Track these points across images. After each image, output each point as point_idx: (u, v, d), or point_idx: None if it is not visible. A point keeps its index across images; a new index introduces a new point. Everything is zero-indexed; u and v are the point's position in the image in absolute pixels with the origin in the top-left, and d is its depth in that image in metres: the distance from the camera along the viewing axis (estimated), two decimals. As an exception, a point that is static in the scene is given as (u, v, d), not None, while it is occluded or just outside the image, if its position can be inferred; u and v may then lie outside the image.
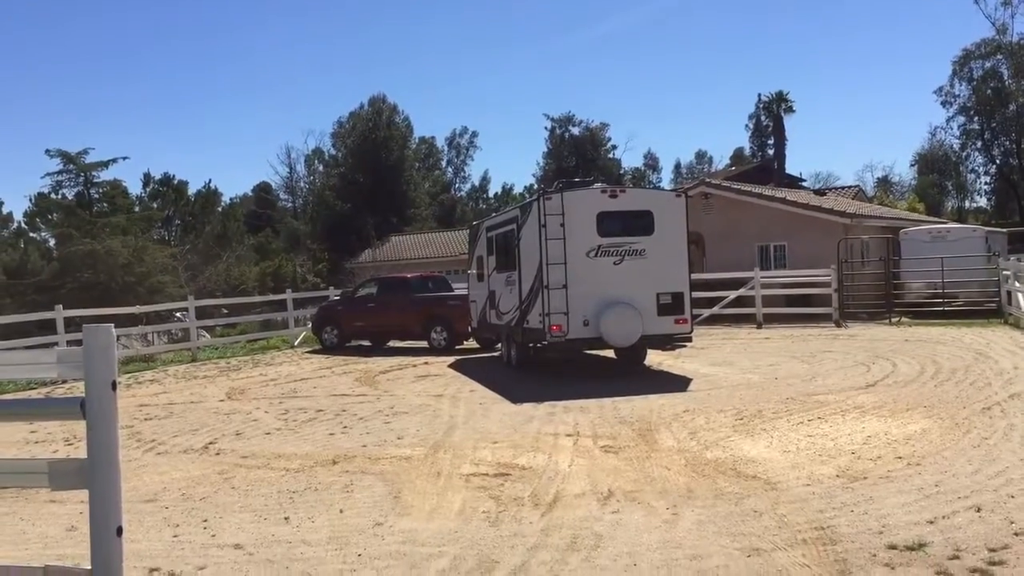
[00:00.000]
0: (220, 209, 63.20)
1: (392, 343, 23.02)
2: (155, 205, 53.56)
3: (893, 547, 5.56)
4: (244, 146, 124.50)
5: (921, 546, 5.54)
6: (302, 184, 79.31)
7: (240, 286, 44.17)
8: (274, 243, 63.47)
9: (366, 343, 23.17)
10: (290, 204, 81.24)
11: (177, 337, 27.53)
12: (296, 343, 24.64)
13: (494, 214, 21.07)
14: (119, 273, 33.96)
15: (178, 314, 30.19)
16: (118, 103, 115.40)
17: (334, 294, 27.24)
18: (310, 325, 26.35)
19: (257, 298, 35.40)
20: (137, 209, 47.82)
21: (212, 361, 21.36)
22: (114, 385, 3.78)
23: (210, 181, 74.78)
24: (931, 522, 6.03)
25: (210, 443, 10.49)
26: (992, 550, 5.42)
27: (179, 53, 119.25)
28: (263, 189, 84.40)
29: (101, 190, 43.15)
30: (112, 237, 36.15)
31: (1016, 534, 5.70)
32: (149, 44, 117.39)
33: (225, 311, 33.47)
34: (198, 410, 13.32)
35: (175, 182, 58.88)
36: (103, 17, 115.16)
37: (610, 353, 16.50)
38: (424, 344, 21.67)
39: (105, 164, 41.57)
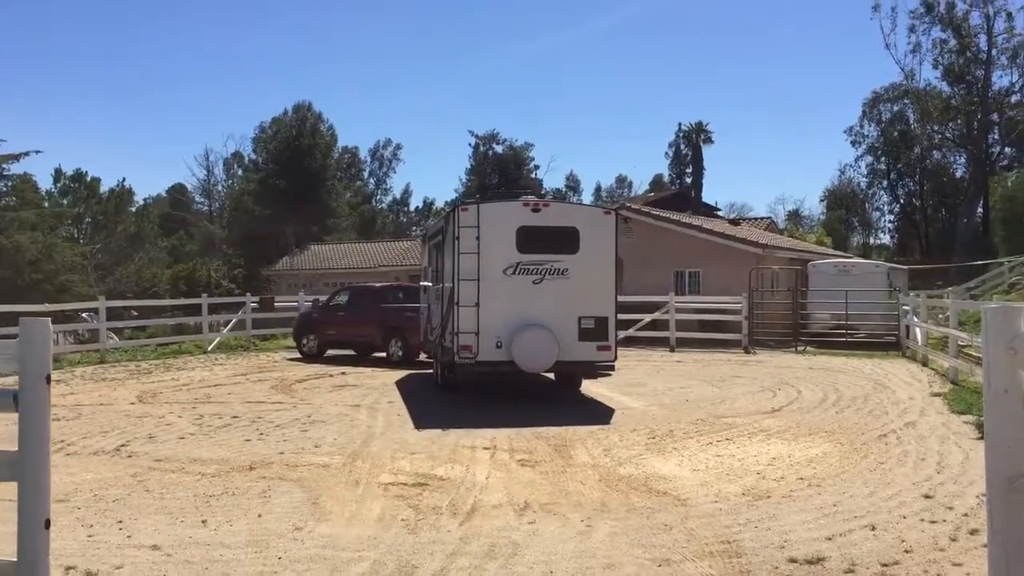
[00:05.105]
0: (133, 209, 61.64)
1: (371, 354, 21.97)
2: (65, 202, 51.96)
3: (793, 560, 5.87)
4: (161, 146, 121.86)
5: (819, 560, 5.87)
6: (220, 188, 77.91)
7: (152, 288, 43.19)
8: (188, 246, 62.22)
9: (350, 352, 22.37)
10: (206, 207, 79.70)
11: (84, 338, 26.79)
12: (210, 348, 24.22)
13: (425, 223, 20.70)
14: (26, 270, 32.91)
15: (84, 314, 29.40)
16: (30, 93, 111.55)
17: (251, 300, 26.84)
18: (226, 330, 25.98)
19: (171, 301, 34.66)
20: (47, 205, 46.35)
21: (122, 364, 20.86)
22: (48, 379, 3.82)
23: (124, 180, 72.93)
24: (829, 539, 6.38)
25: (122, 446, 10.32)
26: (884, 565, 5.78)
27: (95, 44, 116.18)
28: (178, 191, 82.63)
29: (10, 183, 41.70)
30: (20, 232, 34.99)
31: (906, 551, 6.08)
32: (64, 34, 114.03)
33: (135, 313, 32.71)
34: (108, 412, 13.04)
35: (87, 179, 57.26)
36: (17, 4, 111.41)
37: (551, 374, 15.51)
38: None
39: (16, 157, 40.18)
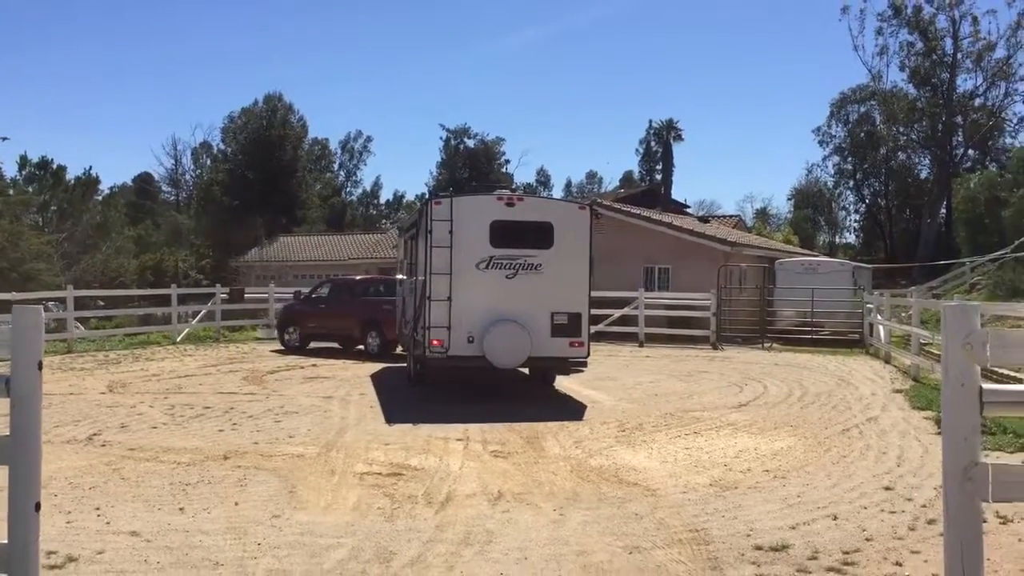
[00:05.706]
0: (99, 197, 60.84)
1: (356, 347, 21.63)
2: (31, 189, 51.23)
3: (759, 548, 6.08)
4: (127, 134, 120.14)
5: (784, 548, 6.08)
6: (187, 177, 77.17)
7: (118, 278, 42.77)
8: (155, 236, 61.64)
9: (335, 345, 22.12)
10: (173, 197, 78.94)
11: (50, 327, 26.53)
12: (179, 339, 24.12)
13: (395, 216, 20.79)
14: (-8, 258, 32.56)
15: (50, 303, 29.13)
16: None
17: (221, 291, 26.76)
18: (195, 321, 25.87)
19: (140, 291, 34.38)
20: (12, 192, 45.68)
21: (90, 353, 20.77)
22: (40, 365, 3.91)
23: (90, 168, 72.08)
24: (793, 528, 6.60)
25: (94, 434, 10.34)
26: (846, 552, 6.00)
27: (61, 30, 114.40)
28: (144, 180, 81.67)
29: (-26, 171, 41.13)
30: (-15, 220, 34.59)
31: (867, 539, 6.31)
32: (29, 19, 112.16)
33: (101, 303, 32.44)
34: (79, 402, 13.02)
35: (53, 166, 56.40)
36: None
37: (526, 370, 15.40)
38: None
39: (-19, 144, 39.64)
